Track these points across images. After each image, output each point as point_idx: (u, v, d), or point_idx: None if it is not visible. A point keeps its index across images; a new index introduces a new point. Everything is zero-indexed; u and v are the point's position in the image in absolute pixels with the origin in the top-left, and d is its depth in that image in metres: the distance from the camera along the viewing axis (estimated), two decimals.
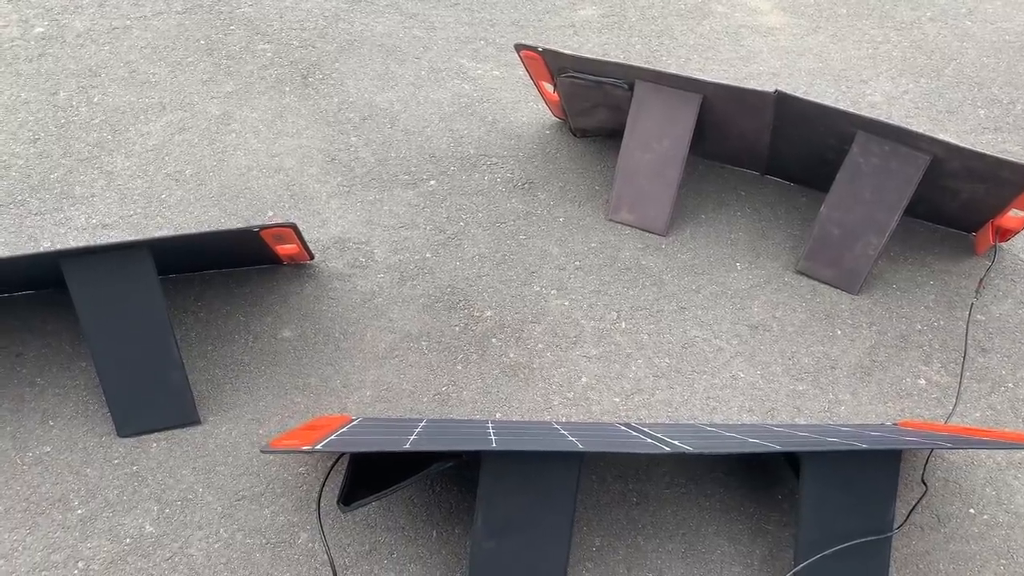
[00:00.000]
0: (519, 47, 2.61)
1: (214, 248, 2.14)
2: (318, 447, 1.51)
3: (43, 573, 1.79)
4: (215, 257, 2.25)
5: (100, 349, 1.98)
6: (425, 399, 2.16)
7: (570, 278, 2.48)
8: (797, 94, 2.34)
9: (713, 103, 2.46)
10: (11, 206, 2.56)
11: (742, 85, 2.38)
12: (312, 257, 2.43)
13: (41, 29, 3.28)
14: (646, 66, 2.45)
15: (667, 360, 2.28)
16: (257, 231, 2.04)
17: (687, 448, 1.53)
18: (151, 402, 2.02)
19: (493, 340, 2.31)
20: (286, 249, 2.28)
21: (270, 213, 2.60)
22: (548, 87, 2.75)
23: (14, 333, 2.23)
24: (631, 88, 2.51)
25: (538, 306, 2.40)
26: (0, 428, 2.03)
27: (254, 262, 2.37)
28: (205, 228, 2.52)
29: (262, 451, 1.61)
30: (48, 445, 2.02)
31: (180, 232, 2.46)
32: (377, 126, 2.94)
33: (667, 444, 1.59)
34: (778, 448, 1.59)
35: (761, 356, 2.30)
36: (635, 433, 1.82)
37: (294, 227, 2.13)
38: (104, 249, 1.92)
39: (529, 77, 2.82)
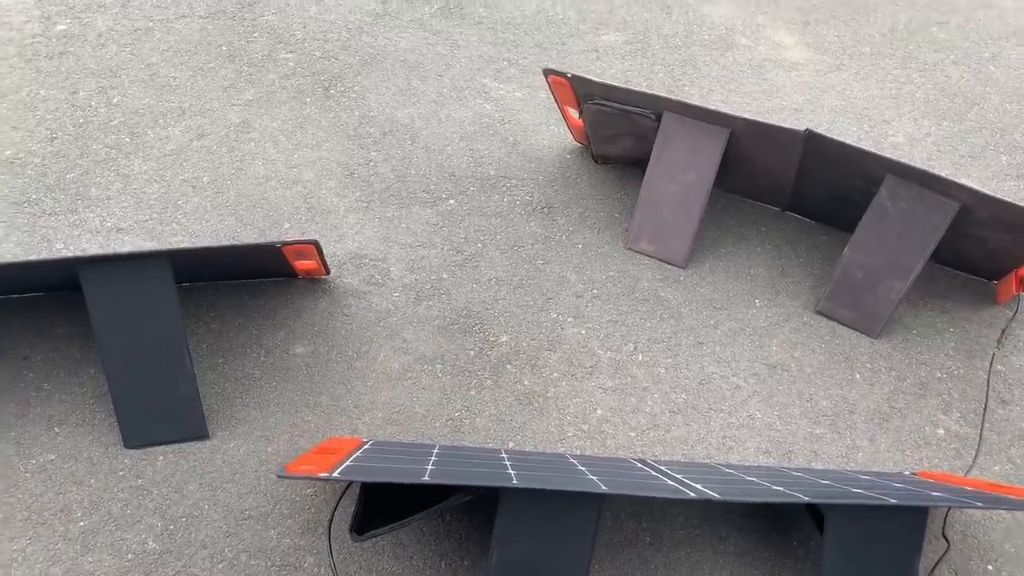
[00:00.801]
0: (547, 72, 2.59)
1: (232, 260, 2.11)
2: (335, 474, 1.47)
3: None
4: (232, 268, 2.22)
5: (112, 357, 1.95)
6: (438, 424, 2.13)
7: (587, 306, 2.45)
8: (821, 130, 2.32)
9: (740, 138, 2.44)
10: (26, 205, 2.53)
11: (772, 122, 2.36)
12: (328, 272, 2.40)
13: (63, 27, 3.26)
14: (675, 98, 2.43)
15: (684, 396, 2.25)
16: (279, 247, 2.01)
17: (713, 495, 1.50)
18: (160, 414, 1.99)
19: (508, 366, 2.28)
20: (304, 264, 2.25)
21: (286, 225, 2.57)
22: (573, 112, 2.73)
23: (22, 335, 2.19)
24: (658, 119, 2.49)
25: (554, 333, 2.37)
26: (4, 433, 1.99)
27: (270, 275, 2.34)
28: (221, 237, 2.49)
29: (278, 476, 1.57)
30: (52, 453, 1.97)
31: (199, 243, 2.43)
32: (397, 142, 2.92)
33: (691, 488, 1.56)
34: (805, 499, 1.55)
35: (779, 397, 2.27)
36: (653, 472, 1.78)
37: (316, 244, 2.10)
38: (123, 257, 1.89)
39: (554, 101, 2.80)
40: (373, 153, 2.87)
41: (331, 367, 2.22)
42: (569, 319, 2.41)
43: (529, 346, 2.33)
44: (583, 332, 2.38)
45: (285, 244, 2.02)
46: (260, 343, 2.25)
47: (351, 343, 2.28)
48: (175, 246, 2.43)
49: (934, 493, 1.70)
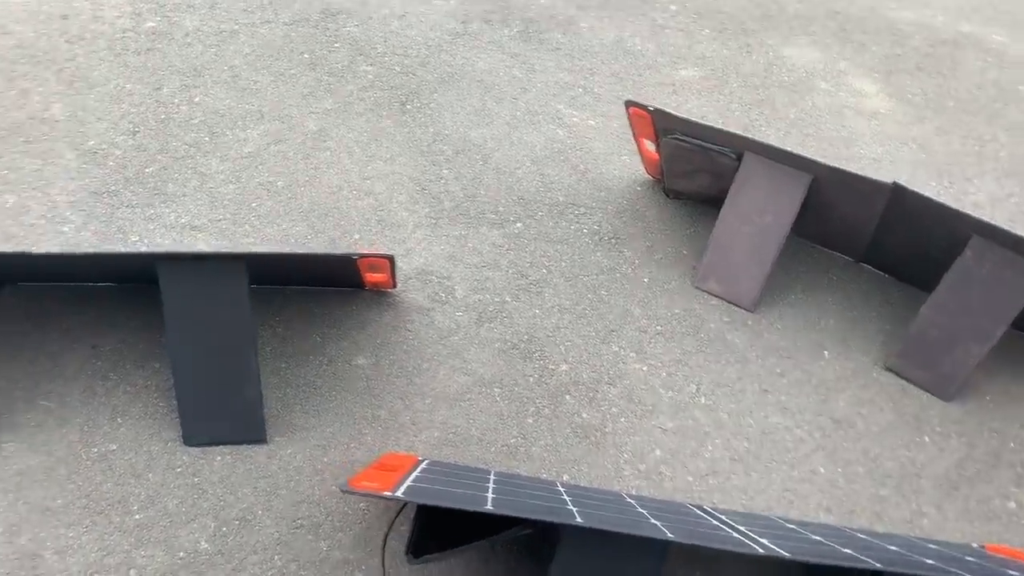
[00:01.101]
0: (629, 103, 2.57)
1: (305, 267, 2.12)
2: (399, 494, 1.46)
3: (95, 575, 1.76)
4: (303, 275, 2.23)
5: (180, 354, 1.96)
6: (493, 449, 2.10)
7: (650, 342, 2.41)
8: (903, 182, 2.26)
9: (822, 184, 2.39)
10: (105, 195, 2.58)
11: (857, 171, 2.31)
12: (395, 286, 2.40)
13: (152, 24, 3.33)
14: (758, 139, 2.40)
15: (745, 444, 2.19)
16: (355, 259, 2.02)
17: (783, 553, 1.45)
18: (221, 414, 2.00)
19: (567, 397, 2.25)
20: (374, 277, 2.25)
21: (356, 236, 2.58)
22: (649, 145, 2.71)
23: (92, 324, 2.22)
24: (739, 158, 2.45)
25: (616, 367, 2.34)
26: (70, 419, 2.02)
27: (339, 284, 2.35)
28: (292, 242, 2.51)
29: (342, 490, 1.56)
30: (114, 443, 1.99)
31: (271, 247, 2.45)
32: (469, 161, 2.93)
33: (757, 543, 1.51)
34: (877, 566, 1.49)
35: (843, 453, 2.21)
36: (714, 521, 1.74)
37: (391, 259, 2.11)
38: (201, 257, 1.91)
39: (631, 132, 2.78)
40: (445, 171, 2.87)
41: (391, 381, 2.22)
42: (631, 354, 2.38)
43: (589, 378, 2.30)
44: (645, 369, 2.35)
45: (361, 256, 2.02)
46: (323, 351, 2.25)
47: (412, 359, 2.28)
48: (248, 248, 2.46)
49: (1011, 572, 1.63)
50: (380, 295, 2.42)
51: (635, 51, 3.59)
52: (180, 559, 1.81)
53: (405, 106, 3.12)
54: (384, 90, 3.18)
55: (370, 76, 3.24)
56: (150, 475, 1.94)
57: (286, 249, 2.43)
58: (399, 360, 2.27)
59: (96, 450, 1.97)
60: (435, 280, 2.50)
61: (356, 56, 3.32)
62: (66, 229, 2.45)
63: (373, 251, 2.09)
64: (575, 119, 3.19)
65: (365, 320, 2.35)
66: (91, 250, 2.30)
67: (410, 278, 2.48)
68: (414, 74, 3.28)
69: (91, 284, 2.30)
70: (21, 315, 2.21)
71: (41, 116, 2.83)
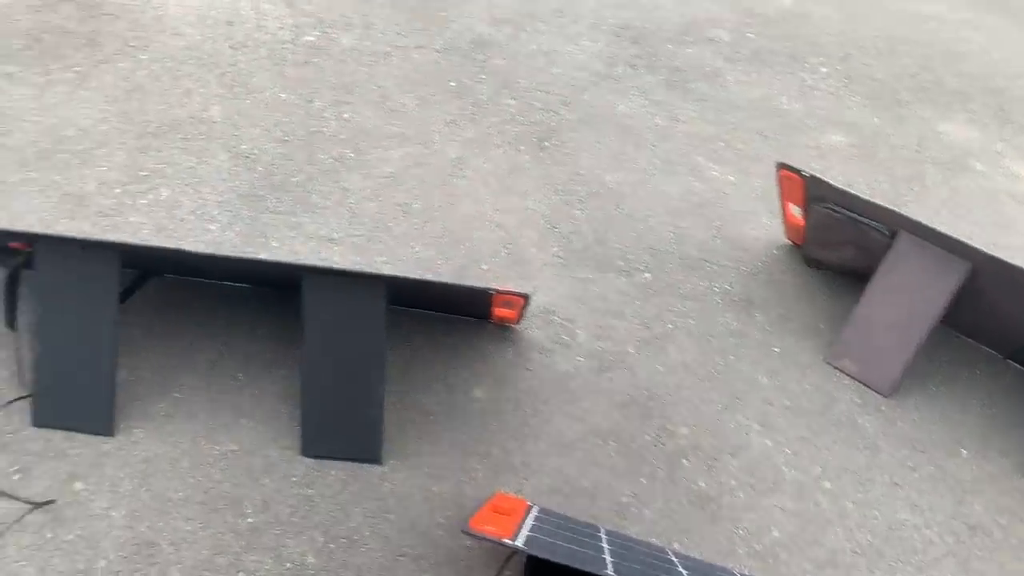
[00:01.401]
0: (780, 165, 2.50)
1: (440, 294, 2.13)
2: (520, 543, 1.42)
3: (205, 573, 1.78)
4: (435, 301, 2.24)
5: (312, 365, 1.99)
6: (604, 504, 2.05)
7: (777, 416, 2.31)
8: None
9: (979, 273, 2.25)
10: (251, 199, 2.67)
11: (1020, 264, 2.17)
12: (519, 322, 2.38)
13: (311, 38, 3.46)
14: (917, 219, 2.28)
15: (869, 538, 2.06)
16: (492, 294, 2.01)
17: None
18: (342, 430, 2.01)
19: (684, 461, 2.17)
20: (503, 312, 2.24)
21: (484, 266, 2.58)
22: (795, 211, 2.62)
23: (225, 323, 2.29)
24: (892, 236, 2.34)
25: (738, 438, 2.25)
26: (197, 414, 2.07)
27: (466, 314, 2.35)
28: (422, 266, 2.53)
29: (463, 531, 1.54)
30: (235, 444, 2.03)
31: (415, 274, 2.47)
32: (602, 205, 2.90)
33: None
34: None
35: (976, 564, 2.05)
36: None
37: (527, 298, 2.09)
38: (345, 274, 1.94)
39: (778, 194, 2.70)
40: (577, 211, 2.86)
41: (506, 419, 2.19)
42: (755, 425, 2.28)
43: (709, 445, 2.22)
44: (769, 443, 2.25)
45: (499, 292, 2.01)
46: (443, 380, 2.25)
47: (529, 399, 2.25)
48: (381, 268, 2.49)
49: None
50: (503, 329, 2.41)
51: (781, 110, 3.51)
52: (287, 570, 1.82)
53: (543, 143, 3.13)
54: (525, 125, 3.20)
55: (512, 110, 3.26)
56: (266, 480, 1.97)
57: (428, 276, 2.44)
58: (516, 398, 2.25)
59: (218, 448, 2.02)
60: (558, 321, 2.47)
61: (501, 89, 3.36)
62: (212, 227, 2.55)
63: (510, 288, 2.08)
64: (714, 173, 3.12)
65: (486, 353, 2.34)
66: (240, 254, 2.37)
67: (533, 316, 2.46)
68: (555, 112, 3.29)
69: (229, 284, 2.38)
70: (163, 306, 2.30)
71: (200, 116, 2.97)
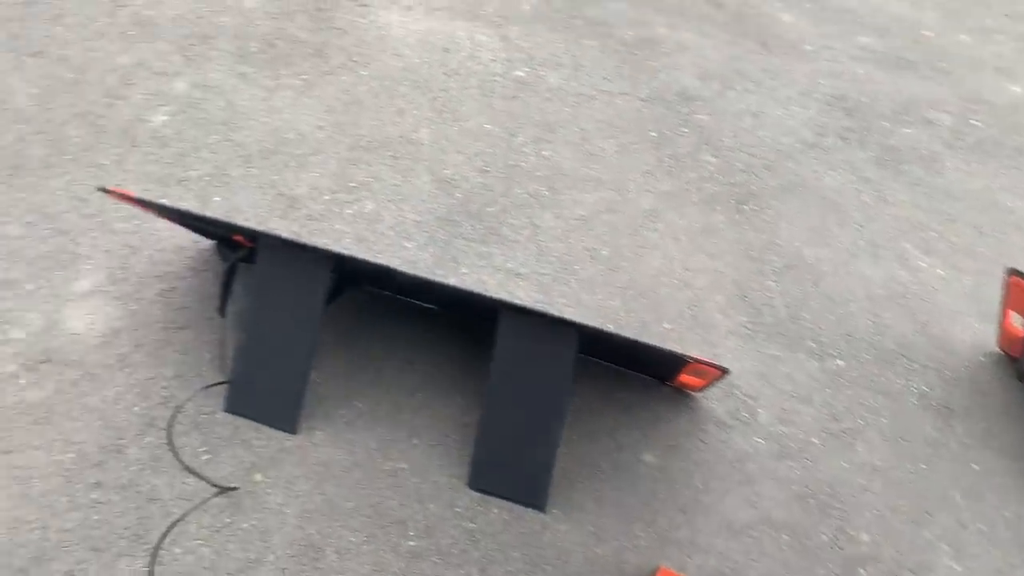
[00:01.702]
0: (1012, 272, 2.30)
1: (628, 350, 2.08)
2: None
3: None
4: (620, 356, 2.20)
5: (494, 400, 1.99)
6: None
7: (970, 541, 2.10)
8: None
9: None
10: (447, 224, 2.73)
11: None
12: (701, 391, 2.29)
13: (521, 73, 3.53)
14: None
15: None
16: (688, 362, 1.95)
17: None
18: (511, 470, 1.99)
19: (862, 571, 2.01)
20: (689, 379, 2.17)
21: (667, 325, 2.51)
22: (1016, 320, 2.40)
23: (410, 341, 2.33)
24: None
25: (924, 557, 2.05)
26: (374, 426, 2.11)
27: (646, 372, 2.29)
28: (604, 315, 2.49)
29: None
30: (406, 463, 2.05)
31: (609, 327, 2.43)
32: (798, 280, 2.77)
33: None
34: None
35: None
36: None
37: (725, 373, 2.01)
38: (543, 316, 1.93)
39: (1001, 299, 2.48)
40: (770, 282, 2.74)
41: (676, 490, 2.10)
42: (945, 547, 2.09)
43: (891, 559, 2.04)
44: (958, 569, 2.04)
45: (697, 362, 1.94)
46: (614, 437, 2.19)
47: (701, 472, 2.15)
48: (562, 309, 2.47)
49: None
50: (681, 394, 2.32)
51: (1004, 206, 3.25)
52: None
53: (741, 206, 3.03)
54: (723, 185, 3.11)
55: (711, 167, 3.19)
56: (431, 506, 1.98)
57: (623, 332, 2.38)
58: (687, 469, 2.16)
59: (390, 464, 2.05)
60: (739, 396, 2.36)
61: (702, 145, 3.29)
62: (408, 245, 2.62)
63: (710, 360, 2.01)
64: (923, 264, 2.92)
65: (660, 416, 2.26)
66: (443, 280, 2.41)
67: (713, 386, 2.36)
68: (757, 175, 3.19)
69: (420, 303, 2.43)
70: (356, 316, 2.37)
71: (410, 136, 3.07)
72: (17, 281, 2.31)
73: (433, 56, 3.53)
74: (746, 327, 2.57)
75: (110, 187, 2.03)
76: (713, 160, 3.23)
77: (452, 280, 2.48)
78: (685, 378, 2.17)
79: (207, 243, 2.47)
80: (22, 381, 2.10)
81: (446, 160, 2.99)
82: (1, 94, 2.89)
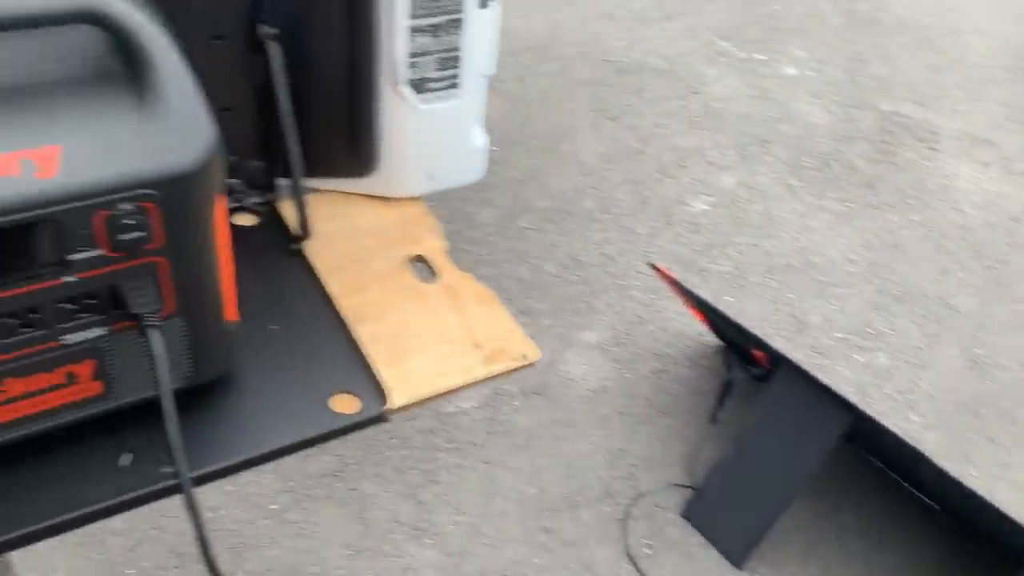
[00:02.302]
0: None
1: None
2: None
3: None
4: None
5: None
6: None
7: None
8: None
9: None
10: (967, 411, 2.37)
11: None
12: None
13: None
14: None
15: None
16: None
17: None
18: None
19: None
20: None
21: None
22: None
23: (888, 525, 2.03)
24: None
25: None
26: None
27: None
28: None
29: None
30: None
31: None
32: None
33: None
34: None
35: None
36: None
37: None
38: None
39: None
40: None
41: None
42: None
43: None
44: None
45: None
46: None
47: None
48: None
49: None
50: None
51: None
52: None
53: None
54: None
55: None
56: None
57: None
58: None
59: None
60: None
61: None
62: (914, 418, 2.33)
63: None
64: None
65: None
66: (978, 491, 2.10)
67: None
68: None
69: (915, 491, 2.11)
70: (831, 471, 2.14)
71: (947, 300, 2.75)
72: (540, 312, 2.53)
73: (1000, 222, 3.14)
74: None
75: (659, 265, 2.10)
76: None
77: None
78: None
79: (710, 338, 2.45)
80: (516, 403, 2.27)
81: (984, 340, 2.61)
82: (576, 147, 3.23)
